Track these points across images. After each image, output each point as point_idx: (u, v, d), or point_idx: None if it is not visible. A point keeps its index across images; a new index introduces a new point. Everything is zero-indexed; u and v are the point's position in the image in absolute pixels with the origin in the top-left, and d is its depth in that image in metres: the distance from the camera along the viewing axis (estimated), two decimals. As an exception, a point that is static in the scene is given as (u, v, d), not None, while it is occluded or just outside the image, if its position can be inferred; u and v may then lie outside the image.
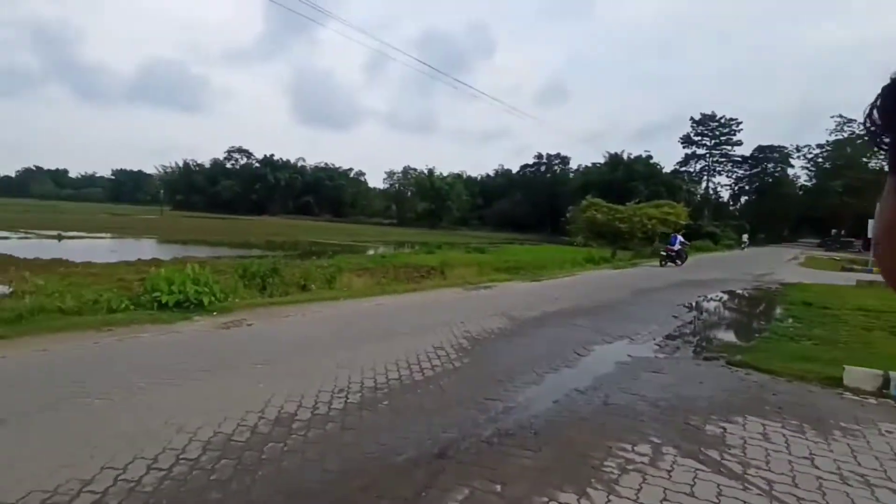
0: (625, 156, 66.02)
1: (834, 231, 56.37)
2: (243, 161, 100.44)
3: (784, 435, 3.91)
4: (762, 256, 32.74)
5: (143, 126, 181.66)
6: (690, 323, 9.16)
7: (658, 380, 5.36)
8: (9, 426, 3.48)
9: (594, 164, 77.09)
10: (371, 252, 29.90)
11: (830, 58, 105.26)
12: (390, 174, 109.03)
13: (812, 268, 24.79)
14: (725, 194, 76.31)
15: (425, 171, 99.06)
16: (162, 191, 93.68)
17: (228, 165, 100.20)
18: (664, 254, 22.93)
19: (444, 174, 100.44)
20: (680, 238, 23.51)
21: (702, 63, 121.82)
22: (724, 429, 4.00)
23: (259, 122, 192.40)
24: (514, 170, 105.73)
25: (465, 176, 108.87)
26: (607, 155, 68.33)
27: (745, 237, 48.81)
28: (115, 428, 3.51)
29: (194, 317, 7.20)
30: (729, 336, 8.38)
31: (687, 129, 72.05)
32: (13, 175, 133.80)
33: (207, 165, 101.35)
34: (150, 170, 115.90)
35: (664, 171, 66.06)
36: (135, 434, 3.41)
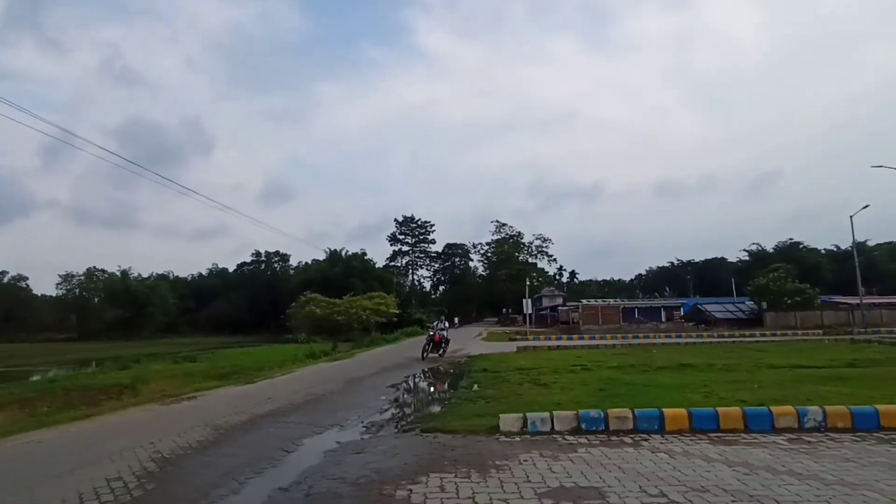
0: (343, 253, 70.27)
1: (504, 310, 71.45)
2: None
3: (455, 483, 4.66)
4: (457, 335, 38.59)
5: None
6: (395, 402, 10.05)
7: (360, 459, 5.67)
8: None
9: (315, 260, 79.33)
10: (36, 378, 22.92)
11: (493, 175, 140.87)
12: (67, 278, 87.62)
13: (492, 341, 30.62)
14: (427, 284, 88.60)
15: (118, 273, 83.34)
16: None
17: None
18: (430, 343, 19.13)
19: (145, 275, 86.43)
20: (443, 324, 20.48)
21: (403, 173, 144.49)
22: (411, 490, 4.50)
23: None
24: (231, 268, 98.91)
25: (172, 276, 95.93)
26: (328, 251, 71.47)
27: (456, 320, 62.84)
28: None
29: None
30: (427, 408, 9.50)
31: (393, 228, 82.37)
32: None
33: None
34: None
35: (377, 266, 72.87)
36: None
